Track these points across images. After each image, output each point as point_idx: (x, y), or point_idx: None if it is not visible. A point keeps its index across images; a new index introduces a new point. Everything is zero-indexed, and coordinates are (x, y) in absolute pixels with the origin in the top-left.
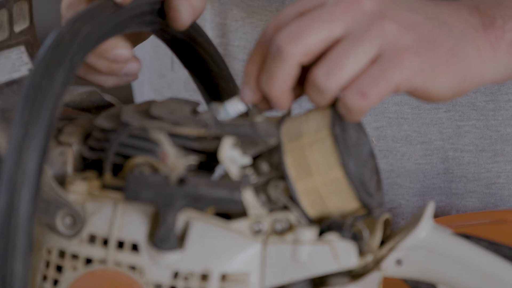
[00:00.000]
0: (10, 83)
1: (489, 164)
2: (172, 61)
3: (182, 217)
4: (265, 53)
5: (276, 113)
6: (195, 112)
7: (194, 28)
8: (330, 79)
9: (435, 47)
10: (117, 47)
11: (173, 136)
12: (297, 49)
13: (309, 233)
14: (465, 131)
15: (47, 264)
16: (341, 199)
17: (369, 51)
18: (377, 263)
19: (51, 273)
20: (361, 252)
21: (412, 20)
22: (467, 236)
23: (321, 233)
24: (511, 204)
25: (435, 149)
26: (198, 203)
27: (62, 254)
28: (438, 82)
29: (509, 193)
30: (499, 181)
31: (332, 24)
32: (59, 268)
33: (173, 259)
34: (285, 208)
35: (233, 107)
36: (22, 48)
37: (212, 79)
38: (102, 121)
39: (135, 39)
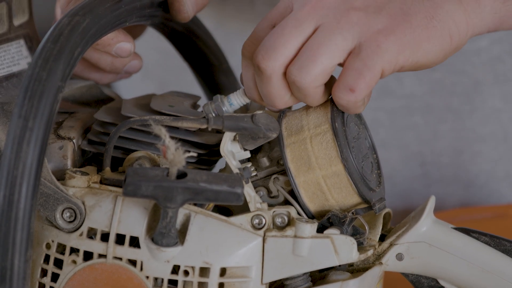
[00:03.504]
0: (10, 77)
1: (467, 166)
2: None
3: (182, 211)
4: (252, 71)
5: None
6: (195, 105)
7: (194, 21)
8: (303, 73)
9: (409, 17)
10: (120, 41)
11: (173, 129)
12: (276, 62)
13: (309, 228)
14: (442, 134)
15: (47, 258)
16: (341, 193)
17: (342, 44)
18: (378, 258)
19: (51, 267)
20: (362, 247)
21: (379, 0)
22: (467, 230)
23: (322, 227)
24: (490, 203)
25: (413, 154)
26: (198, 197)
27: (61, 248)
28: (424, 50)
29: (488, 192)
30: (479, 182)
31: (302, 27)
32: (58, 262)
33: (173, 253)
34: (285, 202)
35: (238, 99)
36: (22, 42)
37: (212, 72)
38: (102, 114)
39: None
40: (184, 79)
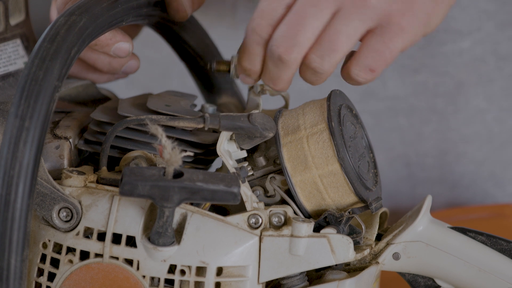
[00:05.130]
0: (6, 76)
1: (452, 166)
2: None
3: (179, 211)
4: (263, 55)
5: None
6: (191, 105)
7: (191, 20)
8: (325, 61)
9: None
10: (118, 41)
11: (170, 129)
12: (297, 54)
13: (305, 227)
14: (426, 135)
15: (43, 258)
16: (338, 192)
17: (360, 27)
18: (374, 257)
19: (47, 266)
20: (358, 246)
21: None
22: (464, 230)
23: (318, 226)
24: (476, 204)
25: (398, 156)
26: (195, 196)
27: (58, 247)
28: (434, 22)
29: (474, 193)
30: (464, 183)
31: (321, 14)
32: (55, 262)
33: (169, 253)
34: (282, 201)
35: None
36: (18, 41)
37: (209, 72)
38: (99, 114)
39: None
40: (168, 86)
